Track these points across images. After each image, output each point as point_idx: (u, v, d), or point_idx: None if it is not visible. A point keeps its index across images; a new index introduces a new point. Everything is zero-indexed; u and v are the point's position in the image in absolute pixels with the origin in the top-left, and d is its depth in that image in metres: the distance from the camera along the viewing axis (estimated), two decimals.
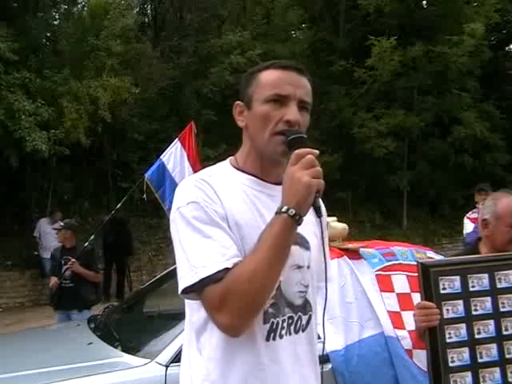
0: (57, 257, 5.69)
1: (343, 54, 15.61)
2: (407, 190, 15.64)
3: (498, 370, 2.07)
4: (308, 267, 1.49)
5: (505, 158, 16.80)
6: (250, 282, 1.27)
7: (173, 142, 6.40)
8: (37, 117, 9.57)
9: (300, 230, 1.38)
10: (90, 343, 3.38)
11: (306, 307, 1.49)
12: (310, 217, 1.36)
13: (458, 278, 2.08)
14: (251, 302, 1.29)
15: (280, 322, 1.42)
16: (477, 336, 2.06)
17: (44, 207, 11.16)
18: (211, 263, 1.30)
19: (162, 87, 12.91)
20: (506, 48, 20.05)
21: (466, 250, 3.30)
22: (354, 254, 3.27)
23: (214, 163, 1.57)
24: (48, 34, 12.43)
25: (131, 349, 3.13)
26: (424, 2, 16.85)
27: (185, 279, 1.33)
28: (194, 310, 1.44)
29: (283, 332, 1.42)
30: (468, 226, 6.74)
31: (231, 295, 1.27)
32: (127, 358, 3.03)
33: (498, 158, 16.69)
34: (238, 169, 1.51)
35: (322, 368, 1.54)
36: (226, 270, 1.29)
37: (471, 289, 2.09)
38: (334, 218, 3.45)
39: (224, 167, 1.53)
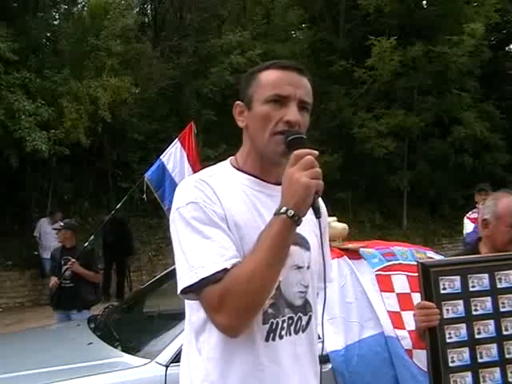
0: (56, 257, 5.69)
1: (343, 54, 15.62)
2: (407, 190, 15.65)
3: (498, 370, 2.07)
4: (308, 268, 1.48)
5: (505, 157, 16.81)
6: (249, 282, 1.27)
7: (173, 142, 6.39)
8: (37, 117, 9.58)
9: (300, 230, 1.38)
10: (90, 343, 3.38)
11: (306, 307, 1.48)
12: (310, 217, 1.36)
13: (458, 277, 2.08)
14: (250, 302, 1.29)
15: (280, 323, 1.42)
16: (477, 336, 2.06)
17: (44, 207, 11.16)
18: (210, 264, 1.30)
19: (162, 87, 12.91)
20: (506, 48, 20.06)
21: (466, 250, 3.30)
22: (354, 254, 3.27)
23: (214, 163, 1.57)
24: (48, 34, 12.43)
25: (131, 349, 3.13)
26: (424, 2, 16.85)
27: (184, 279, 1.33)
28: (193, 310, 1.44)
29: (283, 332, 1.42)
30: (468, 226, 6.74)
31: (230, 296, 1.27)
32: (127, 357, 3.03)
33: (498, 158, 16.69)
34: (238, 169, 1.51)
35: (321, 368, 1.54)
36: (225, 270, 1.29)
37: (471, 289, 2.09)
38: (334, 218, 3.45)
39: (224, 167, 1.53)
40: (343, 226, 3.57)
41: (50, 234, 8.84)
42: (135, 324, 4.02)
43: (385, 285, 3.14)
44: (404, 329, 2.97)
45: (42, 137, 9.39)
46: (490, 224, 2.35)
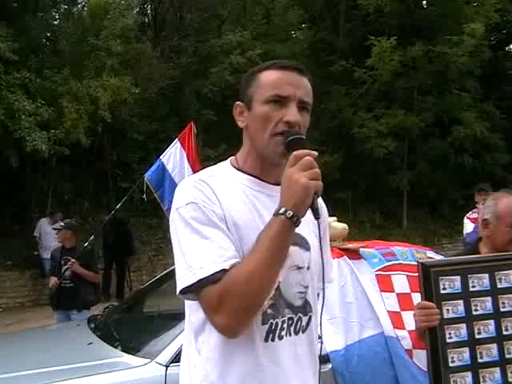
0: (56, 257, 5.69)
1: (343, 54, 15.62)
2: (407, 190, 15.65)
3: (498, 370, 2.07)
4: (308, 268, 1.48)
5: (505, 157, 16.81)
6: (247, 283, 1.27)
7: (173, 142, 6.39)
8: (37, 117, 9.58)
9: (300, 230, 1.37)
10: (90, 343, 3.38)
11: (305, 308, 1.48)
12: (310, 217, 1.36)
13: (458, 277, 2.08)
14: (249, 303, 1.29)
15: (279, 323, 1.41)
16: (477, 336, 2.06)
17: (44, 207, 11.16)
18: (209, 264, 1.30)
19: (162, 87, 12.91)
20: (506, 48, 20.06)
21: (466, 250, 3.30)
22: (354, 254, 3.27)
23: (214, 163, 1.57)
24: (48, 34, 12.43)
25: (131, 349, 3.13)
26: (424, 2, 16.85)
27: (182, 280, 1.33)
28: (192, 311, 1.44)
29: (283, 333, 1.42)
30: (468, 226, 6.73)
31: (228, 296, 1.27)
32: (127, 357, 3.03)
33: (498, 158, 16.69)
34: (237, 169, 1.51)
35: (320, 368, 1.53)
36: (224, 271, 1.29)
37: (471, 289, 2.09)
38: (334, 218, 3.44)
39: (224, 167, 1.53)
40: (343, 225, 3.57)
41: (50, 234, 8.84)
42: (135, 324, 4.02)
43: (385, 285, 3.14)
44: (404, 329, 2.97)
45: (42, 137, 9.39)
46: (490, 224, 2.35)
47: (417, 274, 2.12)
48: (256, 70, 1.50)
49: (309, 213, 1.32)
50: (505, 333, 2.10)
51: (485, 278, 2.11)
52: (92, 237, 6.14)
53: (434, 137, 16.18)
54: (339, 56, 15.61)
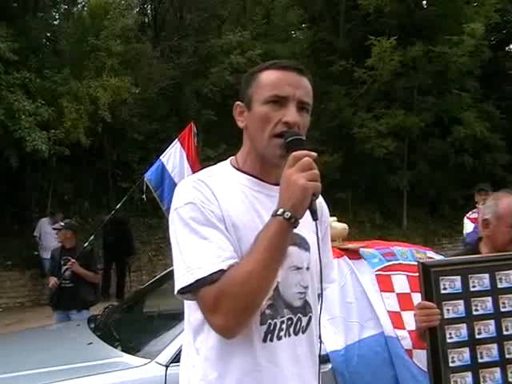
0: (56, 257, 5.69)
1: (343, 54, 15.62)
2: (407, 190, 15.64)
3: (498, 370, 2.07)
4: (308, 268, 1.48)
5: (505, 157, 16.80)
6: (245, 283, 1.26)
7: (173, 142, 6.39)
8: (37, 117, 9.57)
9: (300, 230, 1.37)
10: (90, 343, 3.38)
11: (305, 308, 1.48)
12: (310, 218, 1.35)
13: (458, 277, 2.08)
14: (246, 303, 1.29)
15: (278, 324, 1.41)
16: (477, 336, 2.06)
17: (44, 207, 11.15)
18: (207, 264, 1.30)
19: (162, 87, 12.90)
20: (506, 48, 20.05)
21: (466, 250, 3.30)
22: (354, 254, 3.27)
23: (214, 163, 1.57)
24: (48, 34, 12.43)
25: (131, 349, 3.13)
26: (424, 2, 16.85)
27: (180, 280, 1.33)
28: (191, 311, 1.44)
29: (282, 333, 1.42)
30: (468, 226, 6.73)
31: (225, 297, 1.27)
32: (127, 357, 3.03)
33: (498, 158, 16.69)
34: (237, 169, 1.51)
35: (320, 368, 1.53)
36: (222, 271, 1.29)
37: (472, 289, 2.09)
38: (334, 218, 3.44)
39: (224, 167, 1.53)
40: (343, 225, 3.58)
41: (50, 234, 8.83)
42: (135, 324, 4.02)
43: (385, 285, 3.14)
44: (404, 329, 2.97)
45: (42, 137, 9.39)
46: (490, 224, 2.35)
47: (417, 274, 2.12)
48: (256, 70, 1.50)
49: (309, 213, 1.32)
50: (505, 333, 2.10)
51: (485, 278, 2.11)
52: (92, 237, 6.13)
53: (434, 137, 16.17)
54: (339, 56, 15.60)
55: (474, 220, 6.43)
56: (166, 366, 2.76)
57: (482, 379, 2.05)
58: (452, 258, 2.41)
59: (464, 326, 2.05)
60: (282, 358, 1.41)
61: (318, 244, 1.42)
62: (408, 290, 3.11)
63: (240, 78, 1.61)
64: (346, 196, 14.70)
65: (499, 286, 2.12)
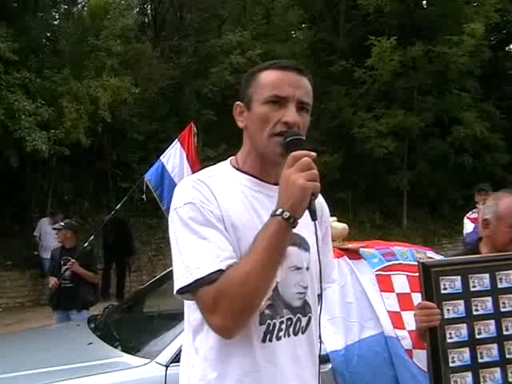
0: (56, 257, 5.69)
1: (343, 54, 15.61)
2: (407, 190, 15.64)
3: (498, 370, 2.07)
4: (307, 269, 1.48)
5: (505, 158, 16.80)
6: (243, 284, 1.26)
7: (173, 142, 6.40)
8: (37, 117, 9.57)
9: (300, 231, 1.37)
10: (90, 343, 3.38)
11: (305, 309, 1.48)
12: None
13: (458, 277, 2.08)
14: (245, 303, 1.29)
15: (277, 324, 1.41)
16: (477, 336, 2.06)
17: (44, 207, 11.15)
18: (206, 264, 1.30)
19: (162, 87, 12.90)
20: (506, 48, 20.05)
21: (466, 250, 3.30)
22: (354, 254, 3.27)
23: (214, 163, 1.57)
24: (48, 34, 12.42)
25: (131, 349, 3.13)
26: (424, 2, 16.84)
27: (179, 280, 1.34)
28: (191, 310, 1.44)
29: (281, 334, 1.42)
30: (468, 226, 6.73)
31: (224, 297, 1.27)
32: (127, 357, 3.03)
33: (498, 158, 16.69)
34: (237, 169, 1.51)
35: (319, 368, 1.53)
36: (221, 271, 1.29)
37: (472, 289, 2.09)
38: (334, 218, 3.44)
39: (224, 167, 1.53)
40: (343, 226, 3.58)
41: (50, 234, 8.84)
42: (135, 324, 4.02)
43: (385, 285, 3.13)
44: (404, 329, 2.97)
45: (42, 137, 9.38)
46: (490, 224, 2.35)
47: (417, 274, 2.12)
48: (256, 70, 1.50)
49: (308, 213, 1.32)
50: (505, 333, 2.10)
51: (485, 278, 2.11)
52: (92, 237, 6.14)
53: (434, 137, 16.17)
54: (339, 56, 15.60)
55: (473, 220, 6.43)
56: (166, 366, 2.76)
57: (482, 379, 2.05)
58: (452, 258, 2.41)
59: (464, 325, 2.05)
60: (282, 358, 1.41)
61: (317, 244, 1.41)
62: (408, 290, 3.11)
63: (240, 78, 1.61)
64: (346, 196, 14.69)
65: (499, 285, 2.12)
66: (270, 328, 1.40)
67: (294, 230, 1.31)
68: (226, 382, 1.38)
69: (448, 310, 2.05)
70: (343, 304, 3.04)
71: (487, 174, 15.63)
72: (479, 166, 16.27)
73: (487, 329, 2.07)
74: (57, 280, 5.43)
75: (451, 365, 2.02)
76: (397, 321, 3.01)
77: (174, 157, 6.19)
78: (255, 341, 1.38)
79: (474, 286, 2.09)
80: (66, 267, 5.38)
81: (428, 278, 2.05)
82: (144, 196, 6.41)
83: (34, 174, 11.13)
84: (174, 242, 1.38)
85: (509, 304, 2.11)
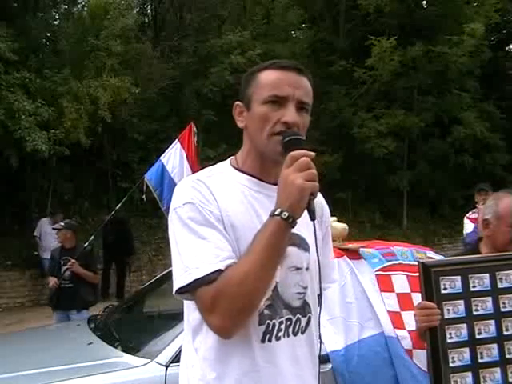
0: (56, 257, 5.69)
1: (343, 54, 15.62)
2: (407, 189, 15.64)
3: (498, 370, 2.07)
4: (307, 269, 1.47)
5: (505, 158, 16.80)
6: (242, 284, 1.26)
7: (173, 142, 6.40)
8: (37, 117, 9.56)
9: (299, 231, 1.37)
10: (90, 343, 3.38)
11: (304, 309, 1.47)
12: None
13: (458, 277, 2.08)
14: (243, 303, 1.28)
15: (277, 324, 1.41)
16: (477, 336, 2.06)
17: (44, 207, 11.15)
18: (205, 264, 1.30)
19: (162, 87, 12.90)
20: (506, 48, 20.05)
21: (466, 250, 3.30)
22: (354, 254, 3.27)
23: (214, 163, 1.57)
24: (48, 34, 12.41)
25: (131, 349, 3.13)
26: (424, 2, 16.84)
27: (178, 280, 1.34)
28: (190, 310, 1.44)
29: (280, 334, 1.41)
30: (468, 226, 6.73)
31: (222, 297, 1.27)
32: (127, 357, 3.03)
33: (498, 158, 16.69)
34: (237, 169, 1.51)
35: (319, 368, 1.53)
36: (220, 271, 1.29)
37: (472, 289, 2.09)
38: (334, 218, 3.44)
39: (224, 167, 1.53)
40: (343, 225, 3.57)
41: (50, 235, 8.83)
42: (135, 324, 4.02)
43: (385, 285, 3.13)
44: (404, 329, 2.97)
45: (42, 137, 9.38)
46: (490, 224, 2.34)
47: (417, 274, 2.12)
48: (255, 70, 1.50)
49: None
50: (505, 333, 2.09)
51: (485, 278, 2.11)
52: (92, 237, 6.14)
53: (434, 137, 16.17)
54: (339, 56, 15.60)
55: (473, 220, 6.43)
56: (166, 366, 2.76)
57: (482, 379, 2.05)
58: (452, 258, 2.41)
59: (464, 325, 2.05)
60: (281, 358, 1.41)
61: (317, 244, 1.41)
62: (408, 290, 3.10)
63: (240, 78, 1.61)
64: (346, 196, 14.69)
65: (499, 285, 2.12)
66: (270, 328, 1.40)
67: (294, 230, 1.31)
68: (225, 383, 1.38)
69: (448, 310, 2.05)
70: (343, 304, 3.04)
71: (487, 174, 15.63)
72: (479, 166, 16.27)
73: (487, 329, 2.07)
74: (57, 280, 5.43)
75: (451, 365, 2.02)
76: (397, 321, 3.01)
77: (174, 157, 6.19)
78: (254, 341, 1.38)
79: (474, 286, 2.09)
80: (65, 267, 5.38)
81: (428, 278, 2.05)
82: (144, 196, 6.41)
83: (34, 173, 11.13)
84: (173, 241, 1.38)
85: (509, 304, 2.11)
